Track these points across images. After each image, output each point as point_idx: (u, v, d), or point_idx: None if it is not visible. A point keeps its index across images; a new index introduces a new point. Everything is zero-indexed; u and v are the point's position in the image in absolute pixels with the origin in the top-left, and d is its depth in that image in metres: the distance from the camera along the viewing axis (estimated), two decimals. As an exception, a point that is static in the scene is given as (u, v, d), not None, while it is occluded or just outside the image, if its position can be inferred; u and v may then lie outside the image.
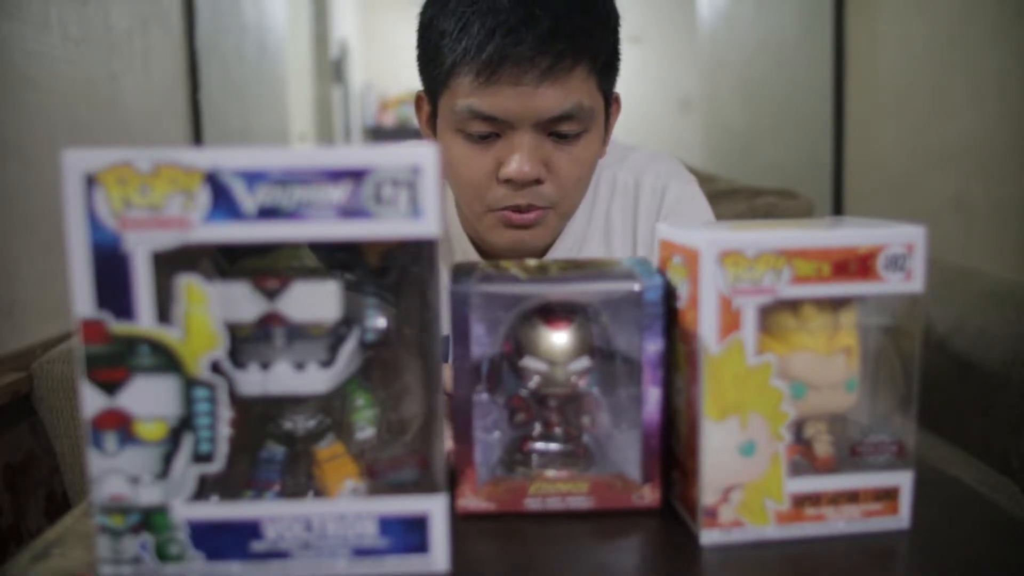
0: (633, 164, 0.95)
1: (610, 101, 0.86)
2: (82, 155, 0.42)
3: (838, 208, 2.38)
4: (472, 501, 0.54)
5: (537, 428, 0.56)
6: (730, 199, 2.18)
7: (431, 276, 0.46)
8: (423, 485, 0.48)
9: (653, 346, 0.53)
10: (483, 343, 0.54)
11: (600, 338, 0.56)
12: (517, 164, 0.78)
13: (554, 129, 0.79)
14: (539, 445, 0.56)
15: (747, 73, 3.14)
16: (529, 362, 0.55)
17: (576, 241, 0.93)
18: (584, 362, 0.55)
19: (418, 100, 0.90)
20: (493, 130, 0.79)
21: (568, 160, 0.81)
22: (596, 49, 0.79)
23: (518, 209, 0.81)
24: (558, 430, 0.56)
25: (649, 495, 0.54)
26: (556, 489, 0.54)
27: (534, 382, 0.55)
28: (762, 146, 2.99)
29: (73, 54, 1.42)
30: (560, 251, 0.91)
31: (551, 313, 0.55)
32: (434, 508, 0.47)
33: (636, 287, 0.53)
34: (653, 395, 0.53)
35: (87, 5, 1.48)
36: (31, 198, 1.27)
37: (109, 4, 1.56)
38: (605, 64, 0.81)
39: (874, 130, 2.26)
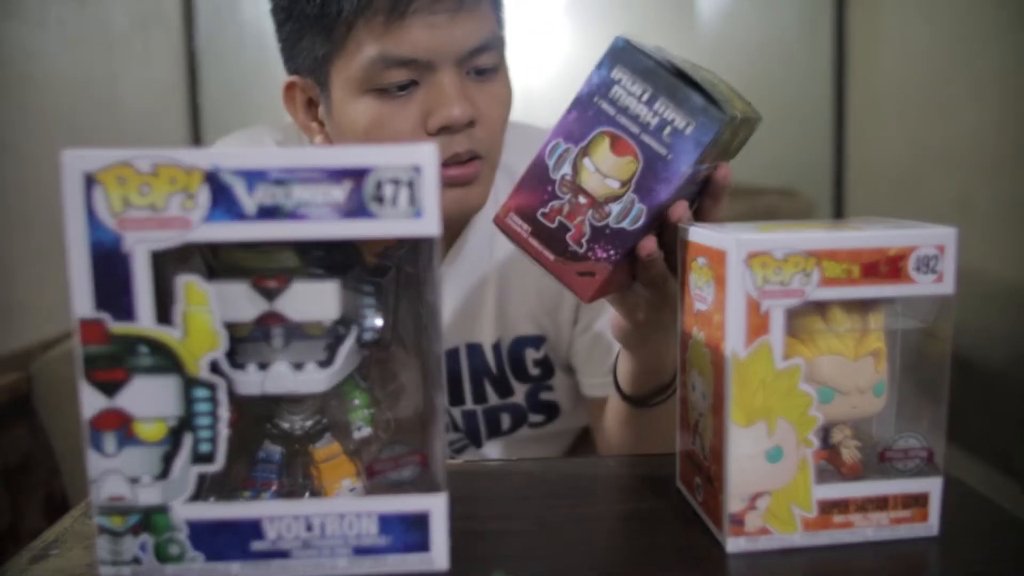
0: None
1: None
2: (81, 155, 0.42)
3: (839, 208, 2.37)
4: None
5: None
6: (730, 199, 2.17)
7: (430, 275, 0.46)
8: (423, 484, 0.48)
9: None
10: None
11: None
12: (448, 107, 0.71)
13: (473, 65, 0.74)
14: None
15: (747, 73, 3.14)
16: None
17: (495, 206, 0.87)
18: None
19: (288, 89, 0.82)
20: (412, 77, 0.72)
21: (491, 99, 0.75)
22: None
23: (458, 160, 0.74)
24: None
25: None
26: None
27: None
28: (762, 146, 2.98)
29: (72, 54, 1.42)
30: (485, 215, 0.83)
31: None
32: (434, 507, 0.46)
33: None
34: None
35: (86, 5, 1.48)
36: (30, 198, 1.27)
37: (109, 4, 1.56)
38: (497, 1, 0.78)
39: (875, 130, 2.26)
